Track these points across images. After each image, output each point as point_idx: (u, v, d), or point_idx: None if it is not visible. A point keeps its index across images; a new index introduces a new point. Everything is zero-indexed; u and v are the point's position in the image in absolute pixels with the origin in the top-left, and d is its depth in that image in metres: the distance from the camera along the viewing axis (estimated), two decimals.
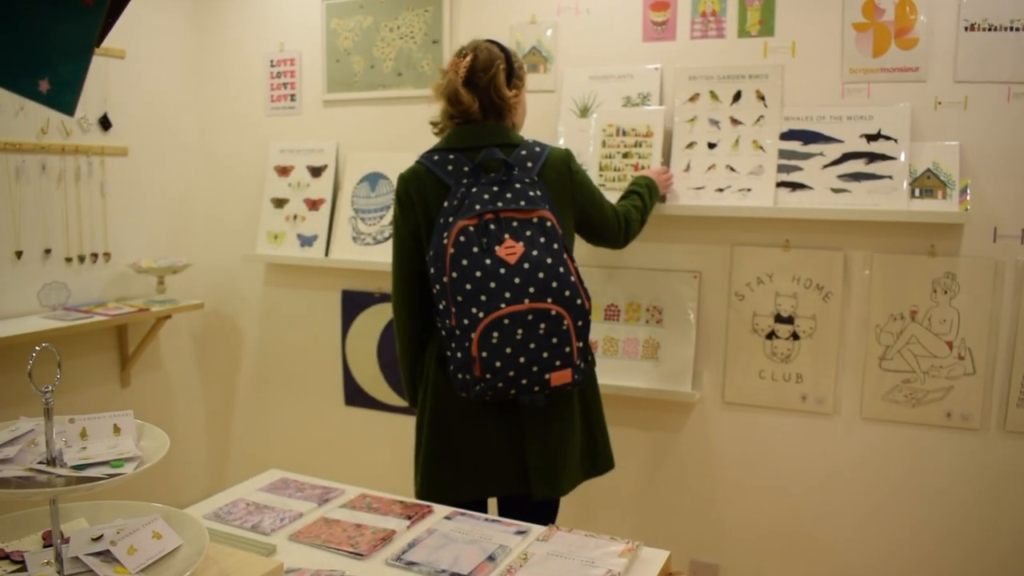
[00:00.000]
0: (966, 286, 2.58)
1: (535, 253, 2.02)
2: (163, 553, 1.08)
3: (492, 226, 2.04)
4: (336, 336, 3.51)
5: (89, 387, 3.36)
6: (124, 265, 3.44)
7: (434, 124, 2.32)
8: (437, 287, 2.10)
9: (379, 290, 3.38)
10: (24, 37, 0.75)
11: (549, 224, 2.06)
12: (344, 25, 3.34)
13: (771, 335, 2.81)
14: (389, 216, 3.27)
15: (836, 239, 2.71)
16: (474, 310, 2.01)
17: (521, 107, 2.33)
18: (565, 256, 2.05)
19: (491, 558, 1.62)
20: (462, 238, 2.03)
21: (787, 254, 2.76)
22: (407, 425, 3.37)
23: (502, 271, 2.00)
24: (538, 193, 2.10)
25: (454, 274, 2.03)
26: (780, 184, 2.70)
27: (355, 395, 3.50)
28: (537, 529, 1.76)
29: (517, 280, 2.00)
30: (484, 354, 2.02)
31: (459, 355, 2.06)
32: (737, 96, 2.77)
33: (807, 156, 2.68)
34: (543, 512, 2.25)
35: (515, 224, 2.05)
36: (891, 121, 2.61)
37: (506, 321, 2.00)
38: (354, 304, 3.44)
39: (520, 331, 2.01)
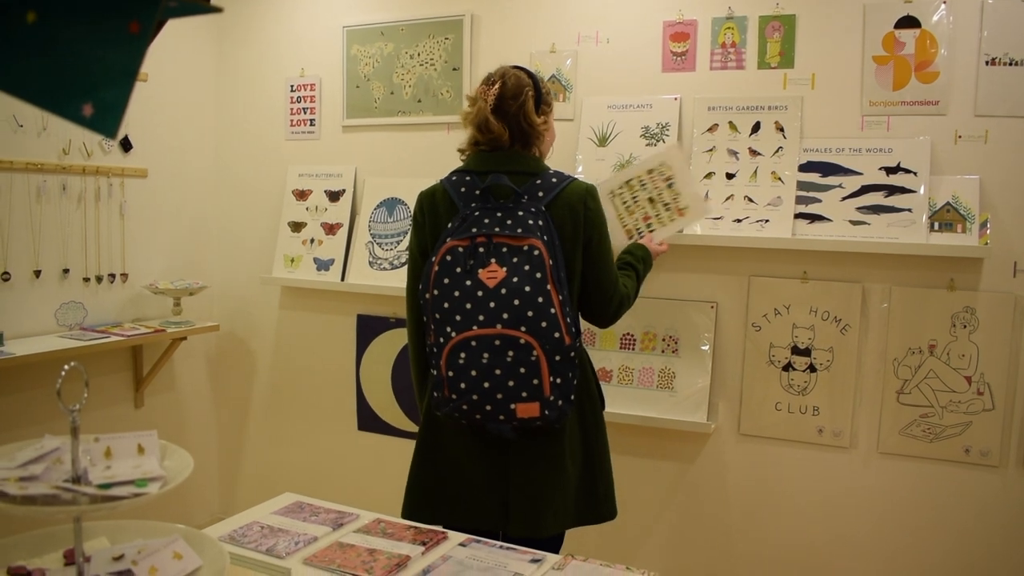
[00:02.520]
0: (985, 321, 2.56)
1: (515, 280, 2.00)
2: (183, 574, 1.08)
3: (481, 249, 2.04)
4: (351, 361, 3.51)
5: (103, 407, 3.37)
6: (141, 286, 3.46)
7: (461, 152, 2.32)
8: (421, 303, 2.13)
9: (394, 315, 3.38)
10: (69, 62, 0.76)
11: (537, 253, 2.02)
12: (364, 51, 3.37)
13: (788, 367, 2.79)
14: (406, 242, 3.27)
15: (854, 271, 2.70)
16: (448, 329, 2.03)
17: (549, 133, 2.31)
18: (549, 287, 2.00)
19: None
20: (448, 257, 2.05)
21: (805, 286, 2.75)
22: None
23: (480, 293, 2.01)
24: (539, 223, 2.07)
25: (435, 292, 2.06)
26: (798, 215, 2.70)
27: (368, 420, 3.49)
28: (552, 558, 1.75)
29: (492, 304, 1.99)
30: (451, 374, 2.04)
31: (435, 373, 2.09)
32: (756, 127, 2.78)
33: (826, 188, 2.68)
34: (546, 545, 2.21)
35: (504, 250, 2.04)
36: (911, 154, 2.61)
37: (473, 343, 2.00)
38: (369, 329, 3.44)
39: (486, 355, 2.00)
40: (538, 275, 2.01)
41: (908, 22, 2.60)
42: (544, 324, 1.99)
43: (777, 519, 2.86)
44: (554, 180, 2.16)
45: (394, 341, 3.40)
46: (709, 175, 2.81)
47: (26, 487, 0.97)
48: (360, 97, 3.41)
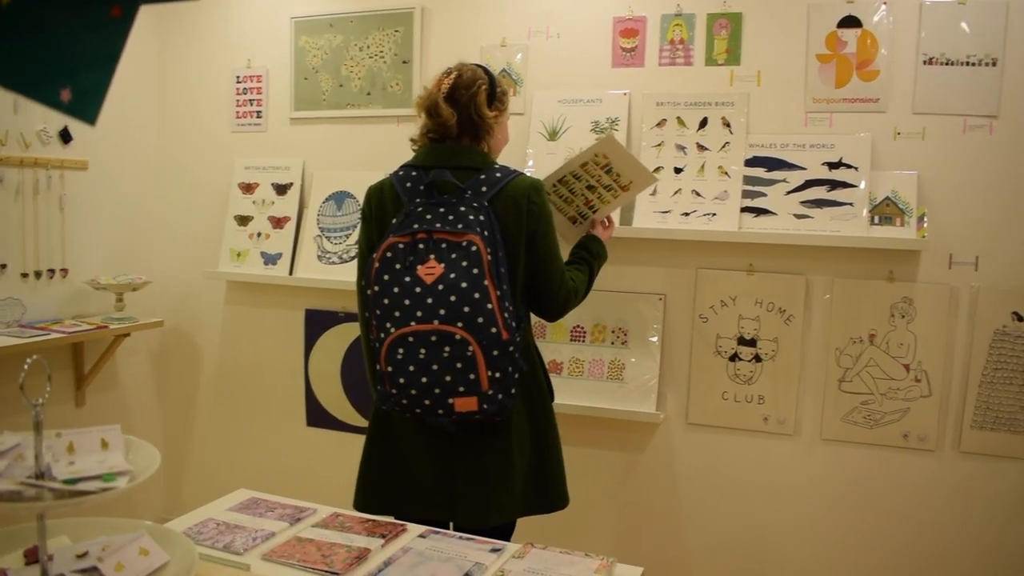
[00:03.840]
0: (922, 311, 2.66)
1: (452, 276, 2.01)
2: (151, 570, 1.07)
3: (421, 245, 2.06)
4: (299, 356, 3.48)
5: (43, 406, 3.28)
6: (82, 282, 3.37)
7: (413, 141, 2.33)
8: (364, 298, 2.16)
9: (343, 309, 3.36)
10: (48, 46, 0.74)
11: (475, 248, 2.03)
12: (313, 43, 3.34)
13: (734, 357, 2.86)
14: (355, 235, 3.26)
15: (798, 264, 2.77)
16: (388, 325, 2.05)
17: (500, 132, 2.32)
18: (486, 282, 2.01)
19: (467, 575, 1.62)
20: (389, 254, 2.07)
21: (751, 278, 2.82)
22: None
23: (418, 290, 2.02)
24: (480, 218, 2.08)
25: (376, 288, 2.07)
26: (744, 209, 2.76)
27: (318, 415, 3.47)
28: (512, 547, 1.77)
29: (430, 300, 2.01)
30: (390, 369, 2.06)
31: (377, 368, 2.11)
32: (703, 123, 2.83)
33: (771, 182, 2.75)
34: (497, 535, 2.23)
35: (444, 246, 2.05)
36: (852, 150, 2.69)
37: (411, 339, 2.02)
38: (318, 323, 3.42)
39: (423, 350, 2.02)
40: (475, 271, 2.02)
41: (850, 22, 2.68)
42: (480, 320, 2.01)
43: (724, 505, 2.92)
44: (498, 175, 2.17)
45: (343, 336, 3.38)
46: (657, 169, 2.86)
47: None
48: (308, 89, 3.38)
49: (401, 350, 2.03)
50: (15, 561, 1.08)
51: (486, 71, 2.27)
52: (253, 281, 3.46)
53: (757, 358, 2.83)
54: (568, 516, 2.82)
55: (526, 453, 2.25)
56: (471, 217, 2.08)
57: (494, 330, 2.02)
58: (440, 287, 2.01)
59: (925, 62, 2.62)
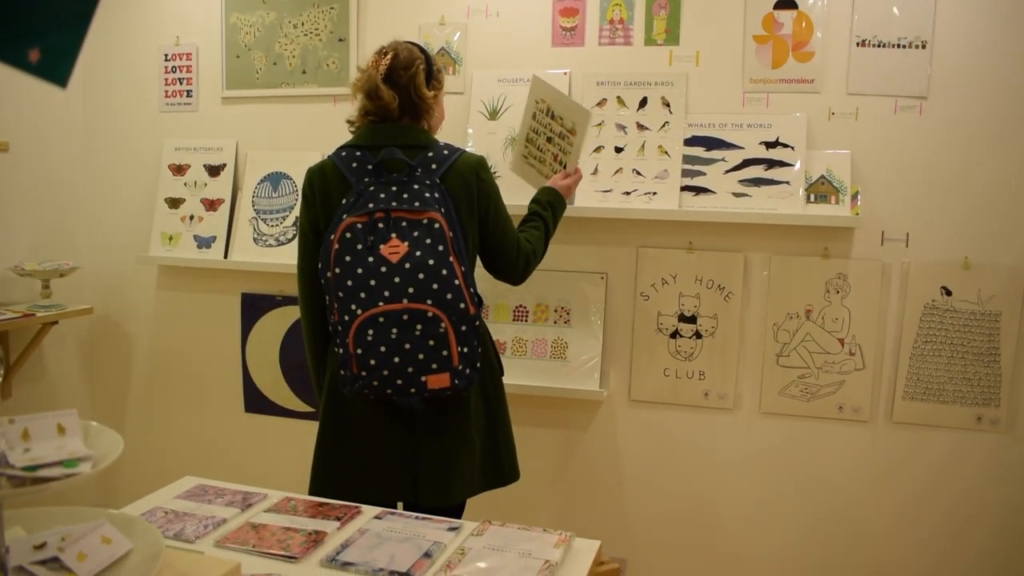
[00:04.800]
0: (856, 286, 2.73)
1: (418, 254, 2.02)
2: (115, 558, 1.04)
3: (380, 224, 2.05)
4: (235, 341, 3.41)
5: None
6: (5, 268, 3.24)
7: (350, 123, 2.31)
8: (323, 282, 2.12)
9: (281, 292, 3.31)
10: (14, 5, 0.70)
11: (437, 226, 2.05)
12: (245, 20, 3.26)
13: (675, 334, 2.90)
14: (292, 217, 3.20)
15: (737, 241, 2.82)
16: (353, 307, 2.03)
17: (439, 110, 2.34)
18: (451, 259, 2.04)
19: (427, 555, 1.62)
20: (348, 235, 2.05)
21: (690, 256, 2.86)
22: (310, 431, 3.30)
23: (383, 269, 2.02)
24: (436, 195, 2.10)
25: (337, 270, 2.05)
26: (684, 188, 2.79)
27: (256, 401, 3.41)
28: (469, 525, 1.77)
29: (397, 279, 2.01)
30: (359, 351, 2.04)
31: (340, 351, 2.09)
32: (643, 102, 2.86)
33: (710, 161, 2.79)
34: (449, 513, 2.24)
35: (404, 224, 2.05)
36: (788, 129, 2.74)
37: (381, 319, 2.02)
38: (255, 307, 3.36)
39: (395, 330, 2.02)
40: (440, 248, 2.03)
41: (786, 4, 2.73)
42: (450, 296, 2.02)
43: (668, 479, 2.97)
44: (446, 152, 2.19)
45: (282, 319, 3.32)
46: (598, 149, 2.87)
47: None
48: (241, 68, 3.30)
49: (371, 331, 2.02)
50: None
51: (422, 50, 2.28)
52: (186, 265, 3.37)
53: (697, 334, 2.88)
54: (515, 494, 2.84)
55: (480, 429, 2.28)
56: (427, 195, 2.08)
57: (463, 305, 2.04)
58: (407, 265, 2.01)
59: (858, 44, 2.68)
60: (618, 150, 2.86)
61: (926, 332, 2.70)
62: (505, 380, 2.46)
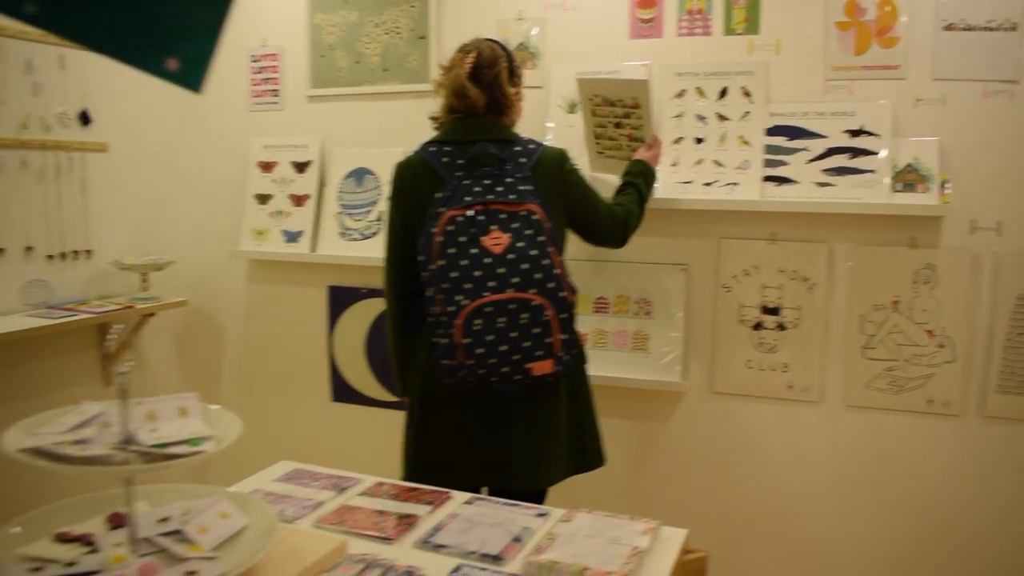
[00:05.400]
0: (945, 277, 2.67)
1: (520, 244, 2.08)
2: (232, 532, 1.10)
3: (480, 217, 2.11)
4: (323, 332, 3.51)
5: (71, 386, 3.31)
6: (106, 263, 3.40)
7: (434, 119, 2.37)
8: (425, 274, 2.18)
9: (366, 285, 3.39)
10: (154, 18, 0.76)
11: (536, 217, 2.12)
12: (328, 20, 3.35)
13: (758, 326, 2.88)
14: (376, 211, 3.28)
15: (820, 232, 2.79)
16: (458, 297, 2.09)
17: (520, 106, 2.41)
18: (550, 249, 2.11)
19: (517, 539, 1.66)
20: (450, 227, 2.11)
21: (773, 247, 2.84)
22: (396, 420, 3.38)
23: (487, 260, 2.08)
24: (529, 188, 2.16)
25: (441, 262, 2.11)
26: (766, 178, 2.77)
27: (342, 391, 3.50)
28: (557, 511, 1.80)
29: (501, 270, 2.07)
30: (467, 340, 2.09)
31: (444, 341, 2.14)
32: (723, 92, 2.84)
33: (792, 151, 2.76)
34: (532, 500, 2.27)
35: (503, 216, 2.11)
36: (873, 117, 2.70)
37: (488, 309, 2.07)
38: (341, 300, 3.45)
39: (502, 319, 2.08)
40: (540, 238, 2.11)
41: None
42: (551, 285, 2.10)
43: (749, 472, 2.96)
44: (531, 146, 2.27)
45: (367, 311, 3.41)
46: (678, 140, 2.87)
47: (85, 449, 0.99)
48: (325, 67, 3.38)
49: (478, 321, 2.08)
50: (99, 526, 1.11)
51: (503, 47, 2.34)
52: (275, 259, 3.49)
53: (781, 326, 2.86)
54: (596, 484, 2.87)
55: (567, 414, 2.33)
56: (521, 187, 2.16)
57: (563, 294, 2.11)
58: (510, 256, 2.08)
59: (945, 28, 2.62)
60: (698, 141, 2.86)
61: (1020, 323, 2.63)
62: (586, 371, 2.50)
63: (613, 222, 2.40)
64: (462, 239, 2.10)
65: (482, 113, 2.27)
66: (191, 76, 0.81)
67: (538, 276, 2.08)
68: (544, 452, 2.26)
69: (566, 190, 2.28)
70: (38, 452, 1.00)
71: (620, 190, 2.56)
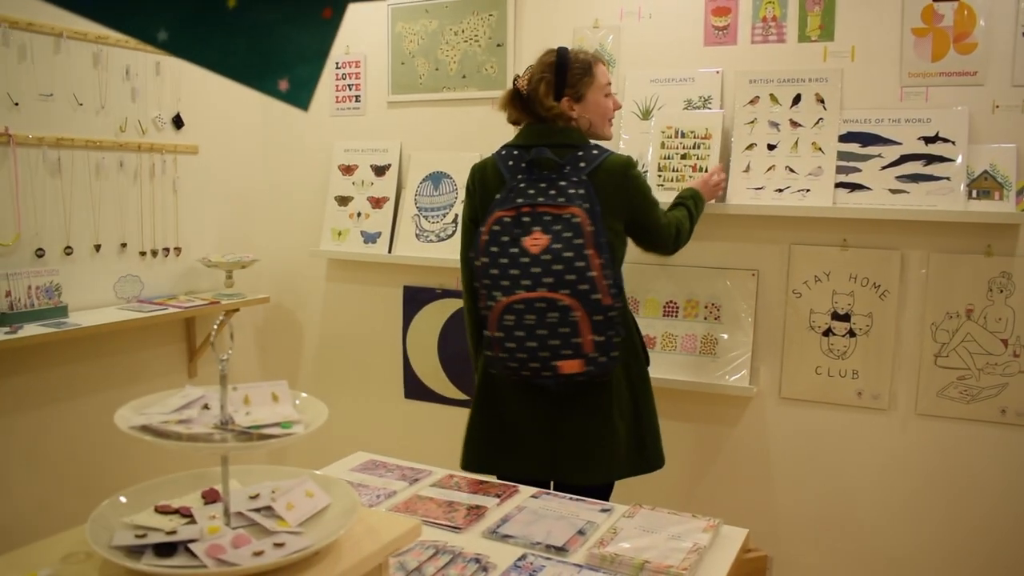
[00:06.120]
0: (1021, 285, 2.64)
1: (557, 246, 2.15)
2: (317, 509, 1.19)
3: (526, 218, 2.20)
4: (397, 331, 3.62)
5: (158, 377, 3.48)
6: (194, 260, 3.57)
7: (516, 123, 2.48)
8: (472, 269, 2.31)
9: (441, 286, 3.48)
10: (269, 45, 0.86)
11: (576, 220, 2.17)
12: (409, 28, 3.46)
13: (828, 332, 2.88)
14: (452, 214, 3.37)
15: (893, 239, 2.78)
16: (496, 293, 2.20)
17: (589, 110, 2.42)
18: (588, 252, 2.14)
19: (581, 532, 1.72)
20: (496, 227, 2.22)
21: (845, 253, 2.84)
22: (465, 417, 3.47)
23: (524, 260, 2.16)
24: (580, 192, 2.22)
25: (484, 259, 2.22)
26: (839, 185, 2.78)
27: (415, 389, 3.60)
28: (621, 507, 1.86)
29: (536, 269, 2.15)
30: (499, 335, 2.20)
31: (485, 334, 2.26)
32: (797, 99, 2.85)
33: (866, 158, 2.76)
34: (595, 495, 2.33)
35: (547, 218, 2.19)
36: (949, 124, 2.68)
37: (520, 306, 2.16)
38: (416, 300, 3.55)
39: (531, 317, 2.16)
40: (578, 241, 2.16)
41: None
42: (584, 287, 2.14)
43: (817, 478, 2.96)
44: (595, 152, 2.33)
45: (440, 311, 3.50)
46: (751, 146, 2.89)
47: (189, 427, 1.08)
48: (405, 73, 3.50)
49: (510, 317, 2.17)
50: (195, 501, 1.20)
51: (559, 59, 2.38)
52: (353, 259, 3.61)
53: (851, 333, 2.85)
54: (662, 484, 2.90)
55: (626, 415, 2.37)
56: (571, 191, 2.21)
57: (596, 296, 2.14)
58: (546, 256, 2.14)
59: None
60: (771, 147, 2.87)
61: None
62: (654, 374, 2.54)
63: (668, 232, 2.45)
64: (505, 238, 2.20)
65: (534, 122, 2.38)
66: (300, 96, 0.90)
67: (571, 278, 2.13)
68: (591, 448, 2.33)
69: (627, 196, 2.32)
70: (147, 429, 1.09)
71: (671, 207, 2.61)
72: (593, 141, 2.39)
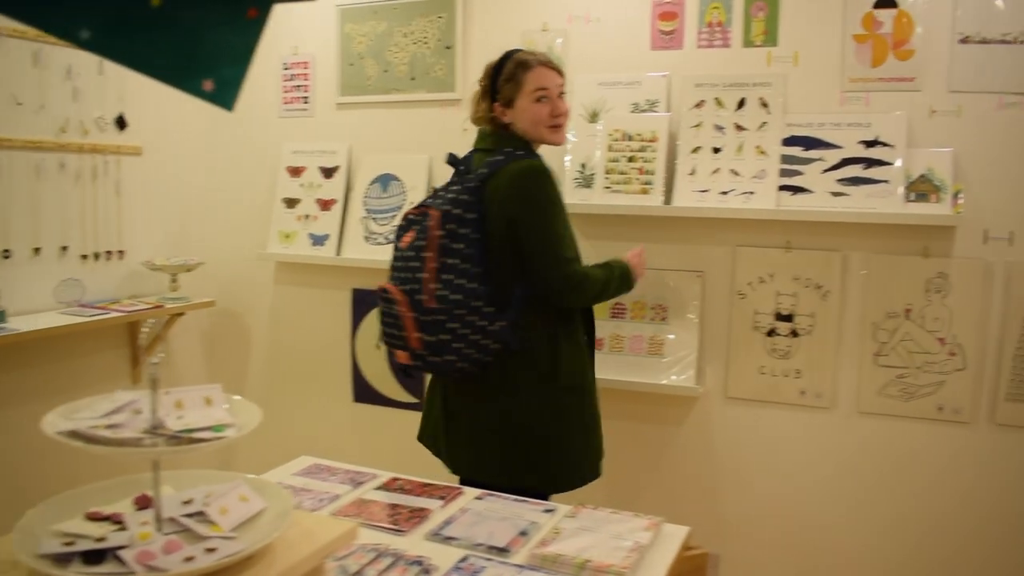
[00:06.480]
0: (957, 285, 2.71)
1: (409, 244, 2.27)
2: (251, 514, 1.18)
3: (415, 216, 2.31)
4: (346, 334, 3.59)
5: (101, 383, 3.42)
6: (138, 263, 3.51)
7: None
8: None
9: None
10: (193, 44, 0.85)
11: (428, 223, 2.24)
12: (358, 30, 3.44)
13: (771, 332, 2.93)
14: (400, 216, 3.35)
15: (835, 240, 2.83)
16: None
17: (516, 115, 2.40)
18: (428, 254, 2.20)
19: (523, 533, 1.72)
20: (401, 222, 2.37)
21: (788, 255, 2.88)
22: (414, 420, 3.45)
23: (397, 254, 2.32)
24: (463, 197, 2.27)
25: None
26: (782, 188, 2.82)
27: (364, 392, 3.58)
28: (564, 507, 1.87)
29: (399, 264, 2.30)
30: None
31: None
32: (741, 103, 2.89)
33: (808, 161, 2.81)
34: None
35: (423, 217, 2.28)
36: (888, 128, 2.74)
37: (381, 294, 2.33)
38: (364, 302, 3.53)
39: (384, 306, 2.31)
40: (420, 242, 2.24)
41: (886, 2, 2.72)
42: (412, 286, 2.23)
43: (762, 477, 3.00)
44: (500, 158, 2.34)
45: None
46: (696, 149, 2.93)
47: (117, 432, 1.06)
48: (354, 75, 3.48)
49: (378, 304, 2.37)
50: (126, 507, 1.19)
51: (497, 62, 2.44)
52: (301, 262, 3.59)
53: (794, 333, 2.90)
54: (610, 485, 2.92)
55: (498, 423, 2.36)
56: (452, 196, 2.28)
57: (420, 297, 2.21)
58: (408, 253, 2.27)
59: (960, 40, 2.66)
60: (716, 150, 2.91)
61: None
62: (602, 376, 2.54)
63: (564, 267, 2.27)
64: (399, 234, 2.33)
65: (485, 122, 2.44)
66: (225, 96, 0.89)
67: (406, 276, 2.25)
68: (458, 443, 2.44)
69: (511, 205, 2.26)
70: (74, 434, 1.08)
71: (596, 265, 2.46)
72: (537, 145, 2.44)
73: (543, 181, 2.29)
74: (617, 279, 2.45)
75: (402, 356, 2.30)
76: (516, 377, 2.33)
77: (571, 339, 2.39)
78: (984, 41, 2.63)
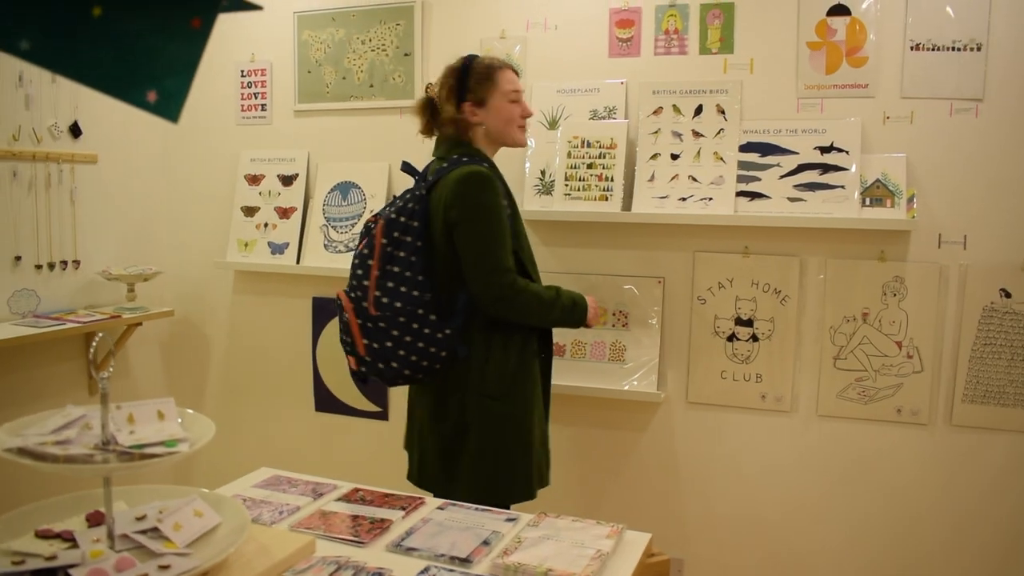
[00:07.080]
0: (913, 289, 2.75)
1: (357, 251, 2.32)
2: (206, 529, 1.16)
3: (370, 224, 2.33)
4: (307, 342, 3.56)
5: (57, 395, 3.36)
6: (94, 272, 3.45)
7: (425, 132, 2.55)
8: None
9: None
10: (136, 55, 0.83)
11: (373, 231, 2.29)
12: (316, 37, 3.42)
13: (732, 337, 2.95)
14: (361, 224, 3.34)
15: (792, 246, 2.86)
16: None
17: (489, 115, 2.40)
18: (371, 262, 2.25)
19: (486, 542, 1.71)
20: (362, 230, 2.37)
21: (746, 260, 2.91)
22: (377, 429, 3.44)
23: (354, 262, 2.33)
24: (410, 205, 2.30)
25: None
26: (740, 193, 2.85)
27: (325, 401, 3.55)
28: (526, 516, 1.86)
29: (351, 272, 2.33)
30: None
31: None
32: (699, 110, 2.92)
33: (765, 167, 2.84)
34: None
35: (374, 225, 2.31)
36: (843, 134, 2.78)
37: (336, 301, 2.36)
38: (325, 311, 3.50)
39: (338, 311, 2.34)
40: (366, 250, 2.29)
41: (839, 10, 2.76)
42: (357, 293, 2.28)
43: (724, 481, 3.02)
44: (445, 165, 2.35)
45: None
46: (655, 156, 2.94)
47: (66, 448, 1.04)
48: (312, 82, 3.45)
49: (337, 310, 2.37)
50: (78, 524, 1.16)
51: (463, 63, 2.43)
52: (261, 270, 3.55)
53: (754, 337, 2.92)
54: (571, 493, 2.92)
55: (435, 432, 2.41)
56: (400, 203, 2.32)
57: (364, 304, 2.26)
58: (354, 262, 2.31)
59: (912, 48, 2.71)
60: (674, 157, 2.93)
61: (985, 335, 2.70)
62: (564, 382, 2.55)
63: (499, 276, 2.24)
64: (359, 242, 2.34)
65: (440, 130, 2.44)
66: (169, 107, 0.88)
67: (354, 283, 2.28)
68: (417, 452, 2.48)
69: (448, 209, 2.26)
70: (22, 451, 1.05)
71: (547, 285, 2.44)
72: (465, 155, 2.38)
73: (483, 187, 2.27)
74: (562, 308, 2.39)
75: (351, 362, 2.34)
76: (451, 385, 2.35)
77: (507, 348, 2.33)
78: (935, 48, 2.68)
